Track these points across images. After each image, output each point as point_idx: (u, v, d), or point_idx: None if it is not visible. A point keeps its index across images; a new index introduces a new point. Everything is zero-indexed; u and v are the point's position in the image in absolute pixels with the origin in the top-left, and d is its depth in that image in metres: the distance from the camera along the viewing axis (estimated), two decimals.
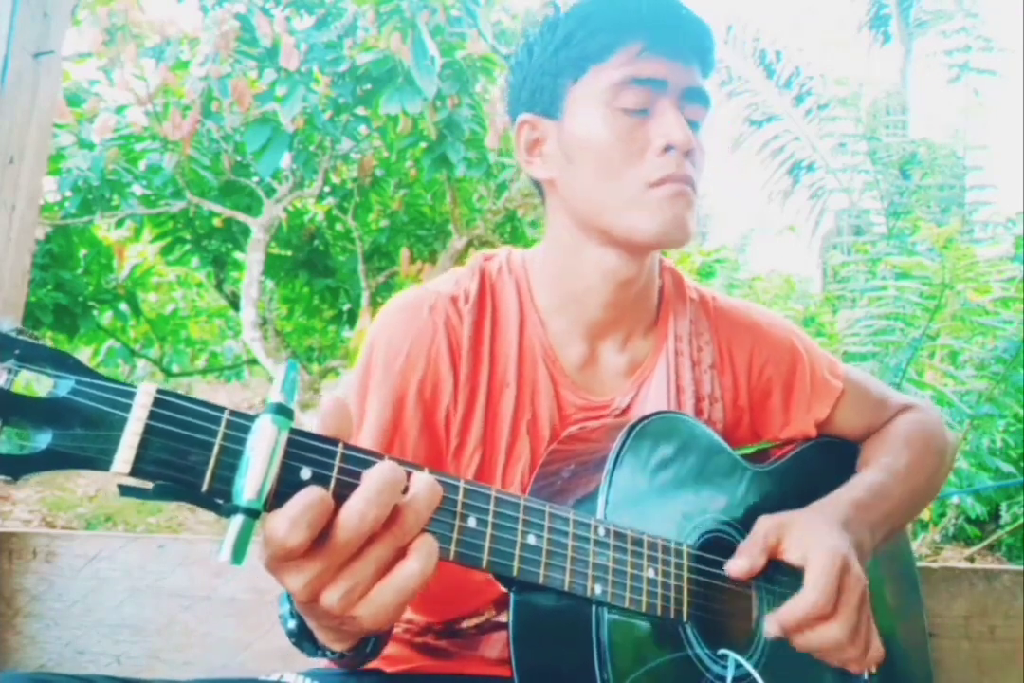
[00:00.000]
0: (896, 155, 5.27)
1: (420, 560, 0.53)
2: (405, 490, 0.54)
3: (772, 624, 0.74)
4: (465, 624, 0.94)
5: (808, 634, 0.74)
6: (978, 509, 2.96)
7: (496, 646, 0.93)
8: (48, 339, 4.87)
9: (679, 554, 0.76)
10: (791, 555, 0.77)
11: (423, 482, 0.55)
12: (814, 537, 0.77)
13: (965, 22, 8.91)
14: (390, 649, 0.95)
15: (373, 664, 0.90)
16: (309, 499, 0.49)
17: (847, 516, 0.83)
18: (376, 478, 0.52)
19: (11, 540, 1.40)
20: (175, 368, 6.03)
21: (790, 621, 0.73)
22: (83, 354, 5.74)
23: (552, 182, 0.92)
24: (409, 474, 0.55)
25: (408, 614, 0.97)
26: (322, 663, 0.91)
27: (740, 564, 0.77)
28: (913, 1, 9.82)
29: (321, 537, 0.50)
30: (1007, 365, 2.61)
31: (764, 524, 0.80)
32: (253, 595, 1.36)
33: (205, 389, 7.00)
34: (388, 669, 0.94)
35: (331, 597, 0.52)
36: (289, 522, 0.49)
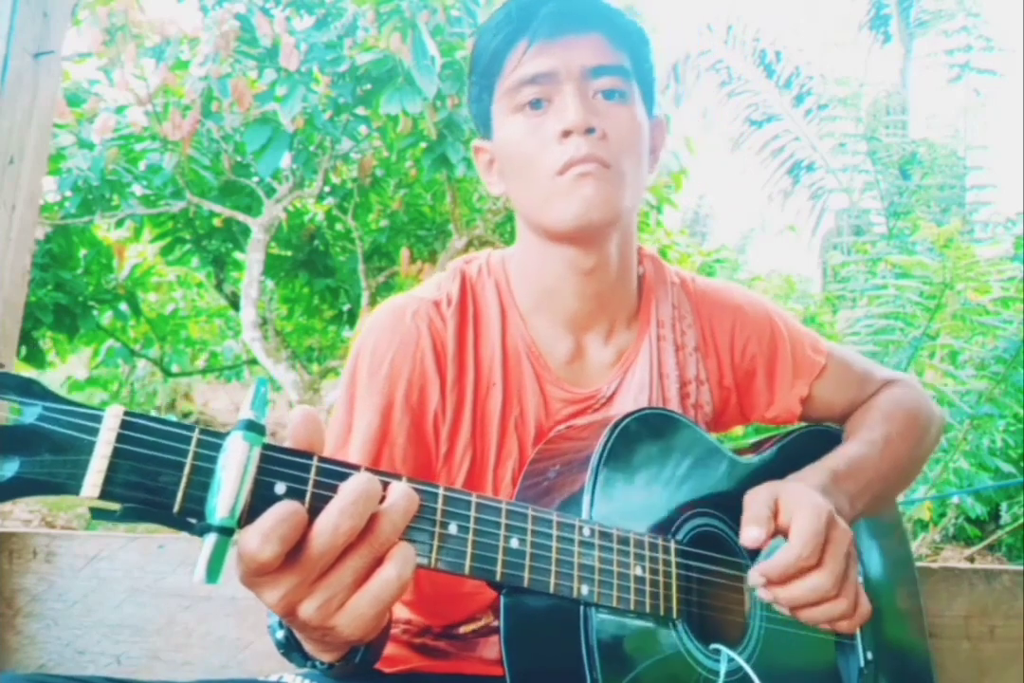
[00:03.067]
0: (896, 155, 5.27)
1: (396, 566, 0.53)
2: (383, 500, 0.54)
3: (755, 575, 0.74)
4: (463, 629, 0.94)
5: (794, 585, 0.73)
6: (978, 509, 2.97)
7: (494, 647, 0.93)
8: (48, 339, 4.87)
9: (666, 550, 0.76)
10: (782, 518, 0.77)
11: (399, 491, 0.54)
12: (799, 498, 0.78)
13: (966, 21, 8.93)
14: (388, 650, 0.95)
15: None
16: (281, 513, 0.49)
17: (824, 483, 0.83)
18: (351, 489, 0.52)
19: (11, 540, 1.40)
20: (175, 368, 6.03)
21: (774, 572, 0.73)
22: (83, 354, 5.75)
23: (505, 196, 0.95)
24: (386, 484, 0.55)
25: (406, 615, 0.97)
26: None
27: (753, 533, 0.75)
28: (913, 1, 9.82)
29: (296, 550, 0.50)
30: (1007, 365, 2.61)
31: (758, 494, 0.80)
32: (253, 595, 1.36)
33: (205, 389, 7.00)
34: (387, 670, 0.94)
35: (308, 609, 0.52)
36: (261, 537, 0.48)
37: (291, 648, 0.66)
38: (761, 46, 7.64)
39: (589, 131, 0.83)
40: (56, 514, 4.10)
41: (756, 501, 0.79)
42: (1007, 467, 2.79)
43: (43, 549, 1.38)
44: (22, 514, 3.96)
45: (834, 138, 5.87)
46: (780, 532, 0.76)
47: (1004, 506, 3.24)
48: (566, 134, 0.83)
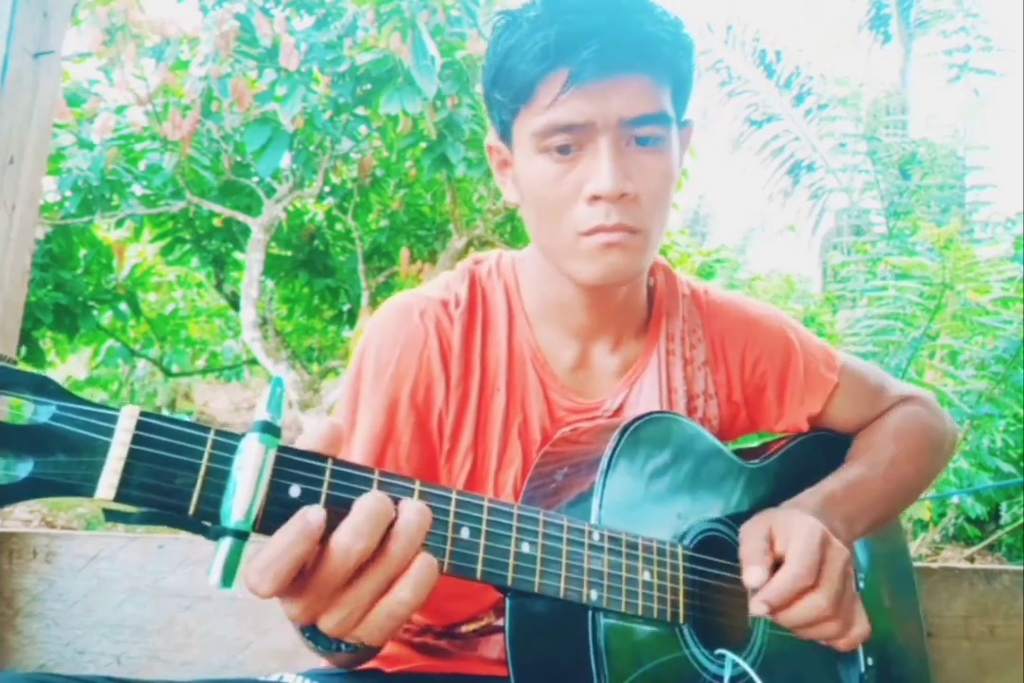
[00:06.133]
0: (896, 155, 5.27)
1: (409, 589, 0.53)
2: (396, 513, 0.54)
3: (757, 603, 0.73)
4: (465, 628, 0.94)
5: (794, 608, 0.73)
6: (978, 509, 2.97)
7: (496, 647, 0.93)
8: (48, 339, 4.87)
9: (675, 555, 0.76)
10: (778, 546, 0.76)
11: (413, 508, 0.54)
12: (792, 522, 0.77)
13: (965, 22, 8.94)
14: (389, 649, 0.95)
15: (372, 664, 0.90)
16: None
17: (818, 507, 0.83)
18: (362, 511, 0.52)
19: (11, 540, 1.40)
20: (175, 368, 6.02)
21: (774, 598, 0.72)
22: (83, 354, 5.75)
23: (519, 207, 0.92)
24: (397, 501, 0.54)
25: None
26: (322, 663, 0.92)
27: (756, 573, 0.74)
28: (913, 1, 9.83)
29: (311, 570, 0.51)
30: (1007, 365, 2.61)
31: (753, 528, 0.79)
32: (253, 594, 1.36)
33: (205, 389, 7.00)
34: (387, 669, 0.93)
35: (327, 623, 0.53)
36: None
37: (317, 633, 0.66)
38: (761, 46, 7.64)
39: (621, 196, 0.79)
40: (56, 514, 4.10)
41: (752, 536, 0.78)
42: (1007, 467, 2.79)
43: (43, 549, 1.38)
44: (22, 514, 3.96)
45: (834, 138, 5.88)
46: (778, 560, 0.75)
47: (1004, 506, 3.24)
48: (596, 198, 0.79)
